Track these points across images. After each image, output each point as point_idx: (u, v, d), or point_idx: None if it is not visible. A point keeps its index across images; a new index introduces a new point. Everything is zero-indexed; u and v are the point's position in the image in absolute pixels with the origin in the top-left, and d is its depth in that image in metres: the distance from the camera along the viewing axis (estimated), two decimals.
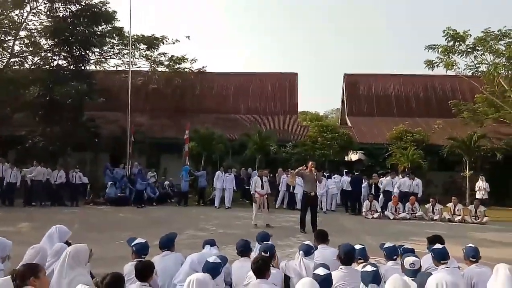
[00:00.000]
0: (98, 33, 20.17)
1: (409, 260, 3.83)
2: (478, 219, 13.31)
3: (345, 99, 27.24)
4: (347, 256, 4.12)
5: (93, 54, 21.40)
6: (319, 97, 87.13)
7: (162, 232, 5.49)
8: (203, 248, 5.06)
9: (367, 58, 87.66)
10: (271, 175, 15.53)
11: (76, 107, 18.69)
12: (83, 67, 20.03)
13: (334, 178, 16.14)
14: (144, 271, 3.69)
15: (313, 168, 10.56)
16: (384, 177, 15.62)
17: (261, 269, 3.69)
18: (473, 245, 4.73)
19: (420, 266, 3.94)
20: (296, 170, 10.98)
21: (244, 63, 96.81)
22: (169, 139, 20.91)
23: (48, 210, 13.73)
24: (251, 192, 11.83)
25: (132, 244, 4.51)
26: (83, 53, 19.77)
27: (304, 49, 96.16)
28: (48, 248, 4.40)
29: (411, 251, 4.57)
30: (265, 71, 29.70)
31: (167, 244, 4.85)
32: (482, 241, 9.22)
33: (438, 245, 4.54)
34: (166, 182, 17.96)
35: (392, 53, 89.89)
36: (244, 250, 4.68)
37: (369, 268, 3.54)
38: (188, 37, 27.96)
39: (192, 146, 18.52)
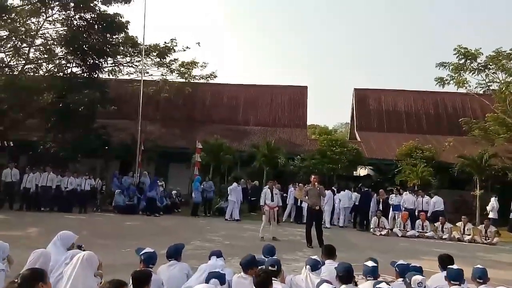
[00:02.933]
0: (112, 42, 20.54)
1: (417, 279, 3.81)
2: (488, 239, 13.08)
3: (354, 114, 27.21)
4: (347, 275, 4.07)
5: (106, 63, 21.77)
6: (329, 111, 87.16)
7: (169, 241, 5.51)
8: (209, 259, 5.06)
9: (377, 73, 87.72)
10: (283, 190, 15.52)
11: (88, 115, 18.94)
12: (96, 76, 20.36)
13: (343, 192, 15.99)
14: (140, 280, 3.74)
15: (316, 182, 10.53)
16: (394, 194, 15.55)
17: (263, 283, 3.67)
18: (481, 266, 4.66)
19: (425, 286, 3.91)
20: (304, 192, 10.92)
21: (254, 75, 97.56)
22: (178, 149, 21.04)
23: (56, 216, 13.83)
24: (261, 204, 11.77)
25: (141, 253, 4.54)
26: (97, 62, 20.12)
27: (315, 63, 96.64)
28: (52, 253, 4.47)
29: (419, 270, 4.52)
30: (275, 83, 29.82)
31: (174, 254, 4.86)
32: (491, 262, 9.06)
33: (454, 266, 4.49)
34: (174, 192, 18.01)
35: (403, 69, 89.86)
36: (248, 264, 4.50)
37: (384, 285, 3.51)
38: (199, 43, 27.84)
39: (201, 156, 18.61)
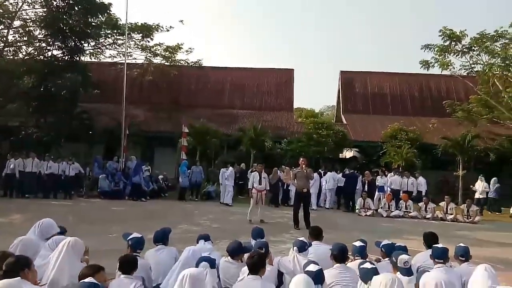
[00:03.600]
0: (94, 24, 19.98)
1: (403, 258, 3.88)
2: (470, 218, 13.43)
3: (340, 97, 27.29)
4: (341, 254, 4.15)
5: (88, 45, 21.24)
6: (315, 94, 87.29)
7: (156, 226, 5.48)
8: (197, 242, 5.06)
9: (363, 56, 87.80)
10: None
11: (70, 99, 18.53)
12: (78, 58, 19.84)
13: (328, 174, 16.09)
14: (128, 264, 3.77)
15: (304, 165, 10.58)
16: (380, 176, 15.77)
17: (256, 265, 3.70)
18: (463, 245, 4.79)
19: (411, 264, 3.99)
20: (292, 175, 10.95)
21: (240, 58, 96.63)
22: (164, 133, 20.84)
23: (41, 202, 13.63)
24: (249, 187, 11.80)
25: (128, 238, 4.51)
26: (78, 44, 19.58)
27: (301, 46, 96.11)
28: (33, 239, 4.41)
29: (404, 249, 4.62)
30: (261, 66, 29.64)
31: (162, 238, 4.85)
32: (473, 240, 9.33)
33: (439, 244, 4.59)
34: (160, 176, 17.91)
35: (388, 52, 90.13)
36: (235, 252, 4.47)
37: (368, 265, 3.58)
38: (182, 21, 26.49)
39: (188, 140, 18.48)
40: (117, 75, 22.71)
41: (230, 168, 15.62)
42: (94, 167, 16.63)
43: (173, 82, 25.34)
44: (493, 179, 16.47)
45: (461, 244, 4.82)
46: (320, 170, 16.34)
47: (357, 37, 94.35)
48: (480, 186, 16.20)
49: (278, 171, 15.40)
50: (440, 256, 4.35)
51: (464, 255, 4.64)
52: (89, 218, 10.89)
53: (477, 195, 16.02)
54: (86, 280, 2.91)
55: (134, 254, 4.20)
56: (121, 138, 17.97)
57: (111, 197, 14.99)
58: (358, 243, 4.56)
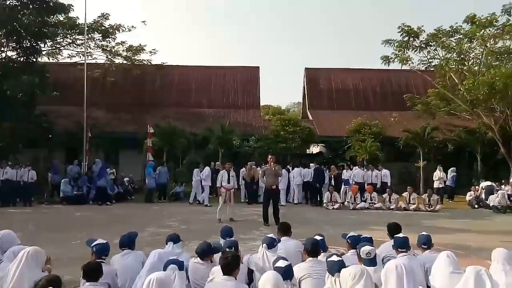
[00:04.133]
0: (50, 22, 19.15)
1: (365, 249, 3.97)
2: (432, 207, 14.00)
3: (306, 93, 27.65)
4: (314, 248, 4.22)
5: (45, 45, 20.35)
6: (281, 91, 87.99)
7: (122, 230, 5.35)
8: (166, 244, 4.97)
9: (327, 53, 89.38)
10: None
11: (27, 102, 17.73)
12: (34, 59, 18.98)
13: (295, 170, 16.25)
14: (92, 272, 3.67)
15: (272, 162, 10.67)
16: (345, 169, 16.17)
17: (230, 266, 3.67)
18: (425, 233, 4.98)
19: (376, 255, 4.10)
20: (261, 172, 10.99)
21: (204, 56, 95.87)
22: (129, 134, 20.33)
23: None
24: (217, 186, 11.73)
25: (92, 245, 4.37)
26: (34, 44, 18.72)
27: (266, 43, 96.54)
28: None
29: (369, 240, 4.74)
30: (226, 64, 29.47)
31: (128, 243, 4.72)
32: (434, 228, 9.72)
33: (400, 235, 4.74)
34: (126, 179, 17.48)
35: (351, 48, 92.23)
36: (204, 253, 4.42)
37: (335, 258, 3.64)
38: (144, 21, 26.10)
39: (153, 141, 18.13)
40: (77, 76, 21.87)
41: (207, 167, 15.27)
42: (53, 172, 15.99)
43: (136, 82, 24.77)
44: (450, 169, 17.26)
45: (423, 233, 5.02)
46: (288, 166, 16.50)
47: (320, 34, 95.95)
48: (438, 175, 16.94)
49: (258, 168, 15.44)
50: (402, 246, 4.51)
51: (427, 243, 4.83)
52: (51, 225, 10.47)
53: (435, 185, 16.73)
54: None
55: (99, 260, 4.07)
56: (83, 141, 17.37)
57: (73, 203, 14.46)
58: (317, 237, 4.65)
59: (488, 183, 16.07)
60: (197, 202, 15.10)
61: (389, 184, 15.66)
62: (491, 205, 14.48)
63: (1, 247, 4.29)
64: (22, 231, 5.12)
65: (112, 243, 4.70)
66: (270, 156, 11.01)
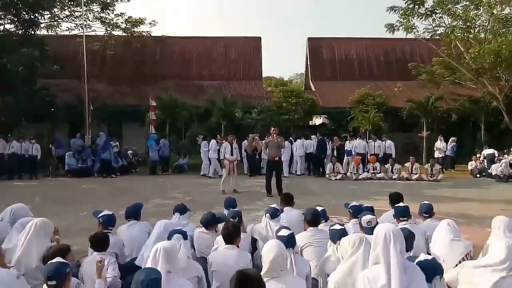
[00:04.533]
0: None
1: (366, 218, 4.04)
2: (434, 176, 14.08)
3: (308, 64, 27.27)
4: (314, 218, 4.30)
5: (43, 18, 19.98)
6: (284, 62, 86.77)
7: (127, 202, 5.43)
8: (173, 214, 5.05)
9: (330, 22, 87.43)
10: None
11: (27, 75, 17.60)
12: (33, 32, 18.70)
13: (298, 141, 16.23)
14: (99, 242, 3.78)
15: (275, 134, 10.68)
16: (348, 140, 16.18)
17: (231, 235, 3.79)
18: (427, 202, 5.04)
19: (377, 223, 4.17)
20: (264, 144, 10.95)
21: (205, 27, 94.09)
22: (131, 107, 20.27)
23: (5, 184, 13.15)
24: (220, 158, 11.80)
25: (99, 216, 4.45)
26: (32, 17, 18.41)
27: (268, 13, 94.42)
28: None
29: (370, 209, 4.81)
30: (228, 35, 28.97)
31: (133, 213, 4.81)
32: (436, 198, 9.79)
33: (401, 204, 4.80)
34: (130, 152, 17.59)
35: (355, 17, 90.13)
36: (208, 223, 4.55)
37: (337, 226, 3.72)
38: None
39: (156, 113, 18.10)
40: (76, 49, 21.61)
41: (213, 140, 15.06)
42: (56, 146, 16.09)
43: (136, 54, 24.48)
44: (451, 139, 17.22)
45: (425, 202, 5.08)
46: (290, 138, 16.51)
47: (323, 2, 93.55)
48: (439, 145, 16.94)
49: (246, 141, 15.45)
50: (403, 214, 4.57)
51: (428, 212, 4.90)
52: (57, 198, 10.64)
53: (435, 155, 16.75)
54: (54, 260, 2.87)
55: (106, 231, 4.16)
56: (85, 115, 17.35)
57: (79, 175, 14.64)
58: (318, 208, 4.77)
59: (490, 151, 16.07)
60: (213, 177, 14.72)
61: (393, 155, 15.66)
62: (493, 174, 14.53)
63: (14, 220, 4.37)
64: (29, 203, 5.19)
65: (117, 215, 4.79)
66: (272, 128, 11.01)
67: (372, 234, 3.88)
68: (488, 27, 19.47)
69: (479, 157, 16.36)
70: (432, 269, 2.66)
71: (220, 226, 4.53)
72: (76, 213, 8.24)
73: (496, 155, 15.73)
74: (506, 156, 15.37)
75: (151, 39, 24.08)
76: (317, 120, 25.13)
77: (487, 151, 16.11)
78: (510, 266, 2.99)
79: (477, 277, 3.06)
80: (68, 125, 19.82)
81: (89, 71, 18.59)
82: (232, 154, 11.41)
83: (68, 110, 18.97)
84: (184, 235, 3.74)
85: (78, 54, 19.81)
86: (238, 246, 3.88)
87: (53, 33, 23.16)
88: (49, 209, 8.05)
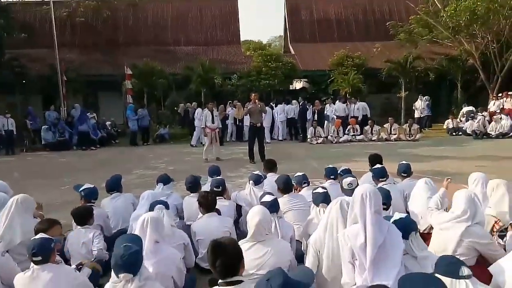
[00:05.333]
0: None
1: (346, 180, 4.14)
2: (412, 136, 14.39)
3: (287, 26, 26.78)
4: (285, 186, 4.38)
5: None
6: (262, 24, 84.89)
7: (109, 174, 5.38)
8: (157, 185, 5.06)
9: None
10: (225, 112, 15.36)
11: None
12: None
13: (279, 106, 16.21)
14: (82, 216, 3.78)
15: (256, 100, 10.59)
16: (329, 104, 16.25)
17: (209, 204, 3.90)
18: (405, 162, 5.18)
19: (358, 185, 4.28)
20: (245, 110, 10.82)
21: None
22: (106, 76, 19.68)
23: None
24: (202, 126, 11.68)
25: (80, 190, 4.41)
26: None
27: None
28: None
29: (348, 172, 4.94)
30: None
31: (114, 186, 4.79)
32: (414, 157, 10.08)
33: (377, 165, 4.92)
34: (108, 123, 17.25)
35: None
36: (193, 186, 4.74)
37: (320, 190, 3.80)
38: None
39: (132, 82, 17.65)
40: (44, 17, 20.59)
41: (199, 108, 14.59)
42: (30, 119, 15.64)
43: (108, 20, 23.47)
44: (424, 98, 17.52)
45: (403, 162, 5.22)
46: (271, 103, 16.45)
47: None
48: (418, 105, 17.20)
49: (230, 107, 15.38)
50: (381, 175, 4.70)
51: (406, 171, 5.05)
52: (36, 172, 10.46)
53: (416, 114, 17.03)
54: (37, 236, 2.85)
55: (89, 204, 4.14)
56: (59, 86, 16.78)
57: (57, 149, 14.35)
58: (299, 173, 4.97)
59: (470, 108, 16.40)
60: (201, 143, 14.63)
61: (368, 115, 15.85)
62: (467, 131, 14.95)
63: None
64: (8, 179, 5.08)
65: (99, 187, 4.76)
66: (253, 94, 10.90)
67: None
68: None
69: (458, 115, 16.73)
70: (407, 227, 2.77)
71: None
72: (58, 187, 8.14)
73: (475, 110, 16.05)
74: (483, 113, 15.68)
75: (123, 4, 23.07)
76: (298, 84, 25.04)
77: (466, 109, 16.42)
78: (472, 215, 3.14)
79: (447, 231, 3.21)
80: (41, 97, 19.18)
81: (60, 39, 17.83)
82: (213, 122, 11.32)
83: (40, 80, 18.27)
84: (166, 205, 3.78)
85: (46, 21, 18.88)
86: (218, 213, 3.97)
87: (18, 0, 21.92)
88: (29, 185, 7.92)
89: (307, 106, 15.94)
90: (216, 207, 4.01)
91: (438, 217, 3.42)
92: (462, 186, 4.10)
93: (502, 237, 3.41)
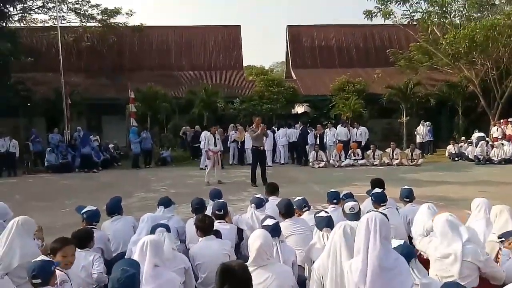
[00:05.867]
0: None
1: (348, 205, 4.11)
2: (414, 161, 14.37)
3: (289, 52, 27.25)
4: (287, 210, 4.33)
5: (15, 9, 19.33)
6: (264, 50, 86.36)
7: (110, 197, 5.36)
8: (158, 207, 5.04)
9: (310, 9, 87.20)
10: (225, 134, 15.47)
11: (1, 69, 17.04)
12: (4, 24, 18.09)
13: (280, 130, 16.29)
14: (83, 238, 3.73)
15: (259, 124, 10.68)
16: (329, 128, 16.30)
17: (206, 227, 3.85)
18: (407, 187, 5.15)
19: (360, 210, 4.25)
20: (255, 135, 10.81)
21: (184, 16, 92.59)
22: (110, 100, 19.92)
23: None
24: (204, 149, 11.72)
25: (82, 212, 4.39)
26: (3, 8, 17.77)
27: (247, 2, 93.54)
28: None
29: (351, 196, 4.91)
30: (207, 24, 28.60)
31: (115, 208, 4.76)
32: (417, 182, 10.03)
33: (377, 190, 4.89)
34: (111, 145, 17.33)
35: (333, 3, 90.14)
36: (199, 208, 4.73)
37: (323, 214, 3.76)
38: None
39: (136, 106, 17.83)
40: (51, 42, 21.07)
41: (205, 131, 14.75)
42: (33, 141, 15.72)
43: (114, 45, 23.97)
44: (425, 123, 17.51)
45: (406, 187, 5.19)
46: (273, 127, 16.55)
47: None
48: (420, 130, 17.24)
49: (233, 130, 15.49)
50: (381, 200, 4.66)
51: (409, 196, 5.01)
52: (38, 194, 10.42)
53: (418, 139, 17.04)
54: (39, 258, 2.83)
55: (90, 227, 4.12)
56: (63, 109, 16.97)
57: (59, 171, 14.37)
58: (298, 198, 4.90)
59: (481, 134, 16.26)
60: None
61: (363, 142, 15.79)
62: (470, 156, 14.92)
63: None
64: (9, 201, 5.07)
65: (101, 210, 4.73)
66: (257, 118, 11.00)
67: (355, 220, 3.98)
68: (463, 12, 19.84)
69: (459, 140, 16.71)
70: (407, 253, 2.70)
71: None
72: (59, 209, 8.10)
73: (485, 138, 15.84)
74: (487, 139, 15.63)
75: (129, 30, 23.62)
76: (299, 109, 25.25)
77: (477, 134, 16.26)
78: (458, 235, 3.10)
79: (445, 255, 3.15)
80: (45, 119, 19.35)
81: (66, 63, 18.16)
82: (215, 145, 11.38)
83: (45, 104, 18.49)
84: (167, 228, 3.75)
85: (53, 46, 19.30)
86: (219, 235, 3.95)
87: (26, 25, 22.46)
88: (30, 207, 7.90)
89: (308, 130, 16.02)
90: (218, 229, 3.97)
91: (430, 245, 3.35)
92: (464, 212, 4.07)
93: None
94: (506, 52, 18.11)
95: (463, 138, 16.68)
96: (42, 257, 2.84)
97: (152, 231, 3.62)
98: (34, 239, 3.95)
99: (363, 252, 2.58)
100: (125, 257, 4.02)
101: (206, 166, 13.67)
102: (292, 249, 3.69)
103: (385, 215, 2.79)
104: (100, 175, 14.00)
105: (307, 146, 15.51)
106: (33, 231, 3.97)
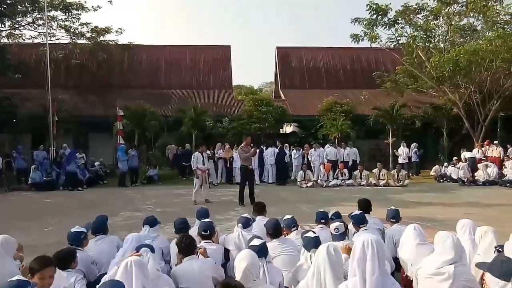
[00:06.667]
0: (8, 1, 18.09)
1: (333, 225, 4.12)
2: (400, 182, 14.49)
3: (278, 72, 27.60)
4: (275, 230, 4.30)
5: (3, 26, 19.26)
6: (253, 70, 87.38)
7: (95, 215, 5.26)
8: (143, 227, 4.96)
9: (298, 31, 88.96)
10: (213, 151, 15.43)
11: None
12: None
13: (269, 149, 16.34)
14: (64, 259, 3.62)
15: (248, 143, 10.73)
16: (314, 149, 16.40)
17: (188, 247, 3.79)
18: (394, 208, 5.19)
19: (346, 229, 4.25)
20: (245, 156, 10.79)
21: (173, 35, 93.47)
22: (98, 117, 19.77)
23: None
24: (193, 168, 11.65)
25: (70, 232, 4.29)
26: None
27: (236, 23, 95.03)
28: None
29: (339, 216, 4.92)
30: (197, 43, 28.87)
31: (101, 228, 4.68)
32: (403, 202, 10.10)
33: (356, 212, 4.92)
34: (97, 163, 17.10)
35: (322, 26, 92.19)
36: (183, 227, 4.68)
37: (311, 234, 3.75)
38: (111, 1, 23.06)
39: (124, 123, 17.73)
40: (40, 58, 20.95)
41: (197, 152, 14.77)
42: (16, 159, 15.45)
43: (103, 63, 23.97)
44: (412, 145, 17.70)
45: (392, 207, 5.23)
46: (261, 146, 16.59)
47: (291, 12, 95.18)
48: (400, 151, 17.44)
49: (221, 149, 15.47)
50: (362, 222, 4.67)
51: (395, 217, 5.04)
52: (21, 213, 10.16)
53: (400, 160, 17.22)
54: (15, 278, 2.75)
55: (73, 247, 4.02)
56: (49, 125, 16.76)
57: (43, 189, 14.07)
58: (287, 217, 4.93)
59: (471, 153, 16.23)
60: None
61: (358, 161, 15.98)
62: (453, 176, 15.10)
63: None
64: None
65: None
66: (248, 138, 11.04)
67: (341, 240, 3.98)
68: (447, 37, 20.45)
69: (444, 162, 16.89)
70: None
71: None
72: (42, 228, 7.90)
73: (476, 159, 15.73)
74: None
75: (118, 47, 23.65)
76: (288, 128, 25.39)
77: (468, 154, 16.11)
78: (459, 256, 3.13)
79: (438, 276, 3.16)
80: (31, 136, 19.07)
81: (54, 80, 18.05)
82: (203, 164, 11.34)
83: (31, 120, 18.26)
84: (152, 249, 3.68)
85: (41, 62, 19.20)
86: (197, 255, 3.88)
87: (15, 42, 22.36)
88: (13, 225, 7.70)
89: (286, 150, 16.09)
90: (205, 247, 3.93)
91: (425, 263, 3.37)
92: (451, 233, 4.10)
93: None
94: (488, 76, 18.65)
95: (453, 160, 16.30)
96: (18, 277, 2.76)
97: (137, 251, 3.55)
98: (14, 258, 3.84)
99: (360, 276, 2.57)
100: (104, 278, 3.93)
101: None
102: (279, 270, 3.65)
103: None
104: (85, 193, 13.75)
105: (291, 166, 15.52)
106: (13, 250, 3.87)
